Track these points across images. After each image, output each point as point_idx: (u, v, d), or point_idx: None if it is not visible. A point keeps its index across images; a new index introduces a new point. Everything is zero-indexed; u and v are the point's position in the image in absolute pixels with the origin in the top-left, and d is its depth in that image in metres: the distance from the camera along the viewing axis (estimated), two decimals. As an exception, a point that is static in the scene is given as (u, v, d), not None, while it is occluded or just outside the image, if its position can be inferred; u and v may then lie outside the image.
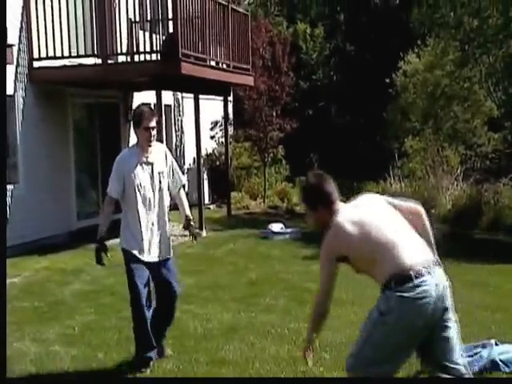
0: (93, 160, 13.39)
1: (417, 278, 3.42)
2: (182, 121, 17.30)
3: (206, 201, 16.60)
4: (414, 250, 3.54)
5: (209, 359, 5.54)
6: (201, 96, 14.43)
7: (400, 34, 24.20)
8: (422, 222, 3.87)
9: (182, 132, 17.33)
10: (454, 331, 3.57)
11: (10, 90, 11.04)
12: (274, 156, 19.09)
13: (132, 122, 5.18)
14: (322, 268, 3.73)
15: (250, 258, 10.57)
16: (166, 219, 5.21)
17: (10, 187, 10.94)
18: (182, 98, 17.16)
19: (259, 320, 6.78)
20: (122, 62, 12.26)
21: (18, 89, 11.24)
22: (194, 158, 16.15)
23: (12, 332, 6.48)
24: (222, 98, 15.34)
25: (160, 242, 5.16)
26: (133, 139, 14.74)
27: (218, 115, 17.83)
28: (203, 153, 16.70)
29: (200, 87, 13.56)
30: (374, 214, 3.66)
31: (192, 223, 5.34)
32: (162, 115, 12.15)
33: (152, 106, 5.51)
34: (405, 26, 23.05)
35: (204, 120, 15.34)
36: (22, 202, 11.14)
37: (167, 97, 15.27)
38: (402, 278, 3.42)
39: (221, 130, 18.06)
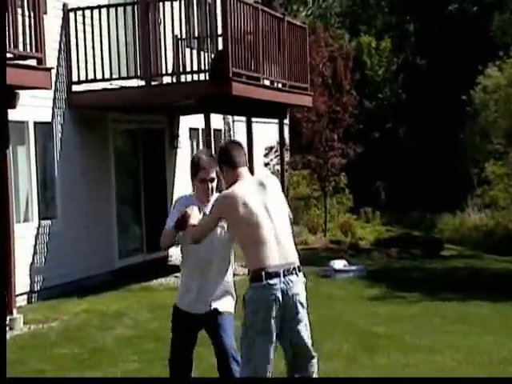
0: (136, 191, 13.65)
1: (266, 278, 4.41)
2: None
3: (261, 235, 16.64)
4: (280, 252, 4.48)
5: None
6: (254, 119, 14.57)
7: (479, 44, 24.07)
8: None
9: (233, 159, 17.48)
10: (305, 333, 4.73)
11: (47, 117, 11.42)
12: (335, 185, 19.08)
13: (190, 170, 5.17)
14: (211, 215, 4.67)
15: (310, 298, 10.38)
16: (227, 272, 5.19)
17: (47, 223, 11.27)
18: (233, 121, 17.36)
19: (320, 369, 6.76)
20: (167, 83, 12.55)
21: (56, 115, 11.60)
22: (247, 188, 16.23)
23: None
24: (277, 120, 15.48)
25: (215, 294, 5.15)
26: (179, 168, 15.01)
27: (273, 140, 17.97)
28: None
29: (253, 109, 13.71)
30: (265, 203, 4.53)
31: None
32: (210, 141, 12.34)
33: (212, 153, 5.41)
34: (484, 35, 22.95)
35: (257, 145, 15.45)
36: (60, 238, 11.44)
37: (217, 121, 15.48)
38: (257, 275, 4.42)
39: (276, 157, 18.17)
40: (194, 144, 15.89)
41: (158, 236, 5.33)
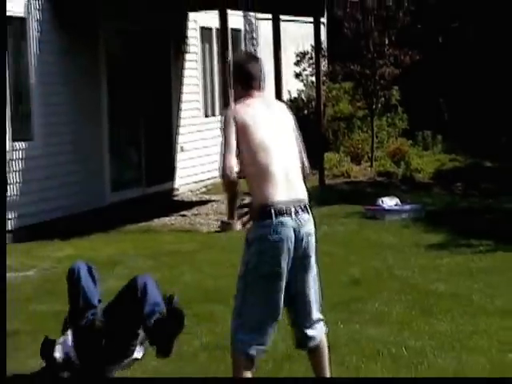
0: (133, 107, 13.60)
1: (276, 216, 4.73)
2: (255, 51, 17.33)
3: (290, 165, 16.64)
4: (289, 186, 4.82)
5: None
6: (282, 17, 14.38)
7: None
8: None
9: (256, 68, 17.38)
10: (312, 287, 4.95)
11: (20, 10, 11.25)
12: (385, 101, 18.91)
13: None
14: (226, 126, 4.85)
15: (352, 246, 10.57)
16: None
17: (20, 145, 11.24)
18: (256, 19, 17.18)
19: (365, 335, 6.80)
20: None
21: (31, 8, 11.46)
22: (273, 105, 16.13)
23: (27, 344, 6.71)
24: (311, 19, 15.27)
25: None
26: (188, 78, 14.88)
27: (307, 44, 17.77)
28: (285, 97, 16.65)
29: (281, 4, 13.53)
30: (275, 128, 4.91)
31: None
32: (227, 44, 12.19)
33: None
34: None
35: (287, 50, 15.31)
36: (38, 166, 11.44)
37: (235, 18, 15.30)
38: (265, 212, 4.73)
39: (310, 66, 17.99)
40: (207, 48, 15.76)
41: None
